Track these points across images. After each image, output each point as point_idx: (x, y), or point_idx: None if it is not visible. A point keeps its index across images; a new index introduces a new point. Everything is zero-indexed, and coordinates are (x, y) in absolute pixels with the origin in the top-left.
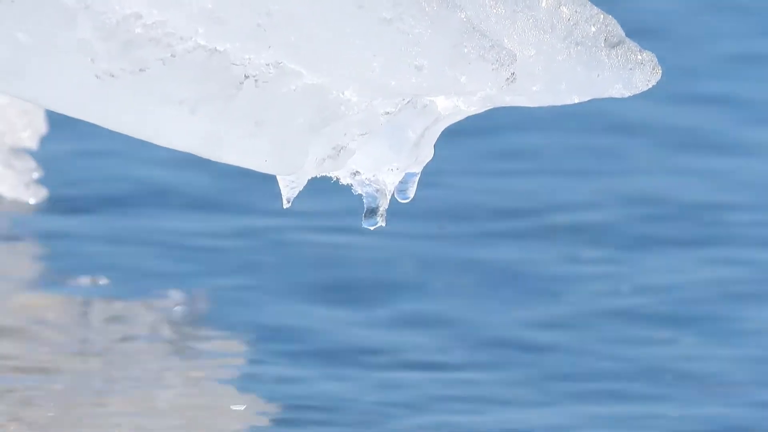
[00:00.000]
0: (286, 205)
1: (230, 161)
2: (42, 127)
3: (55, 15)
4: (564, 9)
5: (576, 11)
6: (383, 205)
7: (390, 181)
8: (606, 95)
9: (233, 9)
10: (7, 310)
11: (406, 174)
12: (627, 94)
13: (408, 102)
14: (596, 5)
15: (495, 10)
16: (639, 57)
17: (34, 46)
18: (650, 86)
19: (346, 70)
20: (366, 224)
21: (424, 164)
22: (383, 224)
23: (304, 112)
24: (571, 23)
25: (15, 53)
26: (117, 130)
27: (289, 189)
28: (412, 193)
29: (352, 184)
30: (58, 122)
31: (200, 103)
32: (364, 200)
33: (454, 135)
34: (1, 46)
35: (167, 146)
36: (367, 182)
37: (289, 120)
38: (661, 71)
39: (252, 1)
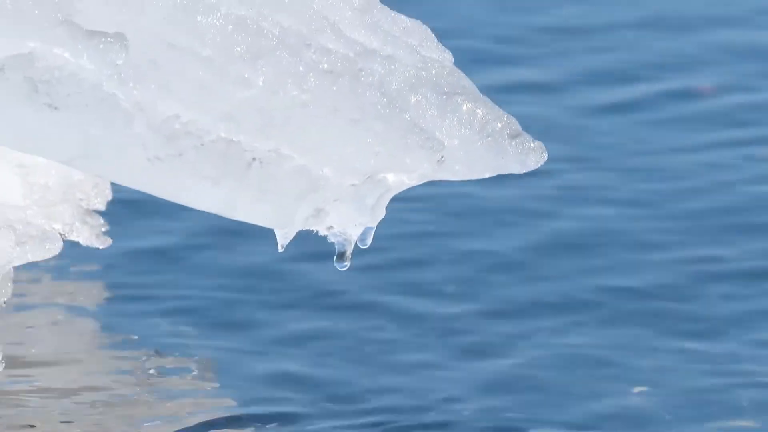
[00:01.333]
0: (280, 250)
1: (241, 219)
2: (108, 193)
3: (118, 116)
4: (479, 111)
5: (487, 113)
6: (349, 250)
7: (354, 233)
8: (507, 172)
9: (245, 112)
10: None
11: (365, 228)
12: (523, 170)
13: (368, 177)
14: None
15: (429, 112)
16: (531, 145)
17: (103, 138)
18: (539, 166)
19: (326, 155)
20: (337, 265)
21: (378, 221)
22: (349, 264)
23: (295, 185)
24: (484, 121)
25: (88, 142)
26: (162, 197)
27: (283, 238)
28: (369, 241)
29: (327, 235)
30: (120, 189)
31: (221, 178)
32: (336, 246)
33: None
34: (78, 136)
35: (197, 208)
36: (338, 234)
37: (285, 191)
38: (546, 155)
39: (258, 107)
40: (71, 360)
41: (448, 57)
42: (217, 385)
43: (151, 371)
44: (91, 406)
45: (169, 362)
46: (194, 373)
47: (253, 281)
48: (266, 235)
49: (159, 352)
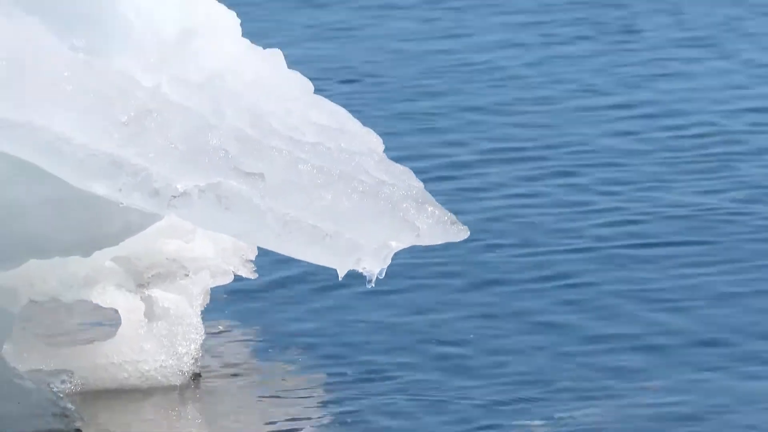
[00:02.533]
0: (369, 281)
1: (320, 263)
2: (255, 251)
3: (259, 214)
4: (436, 211)
5: (440, 211)
6: (374, 279)
7: (376, 271)
8: (450, 240)
9: (321, 213)
10: None
11: (381, 269)
12: (458, 239)
13: (382, 244)
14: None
15: (412, 212)
16: (462, 227)
17: (252, 224)
18: (466, 237)
19: (360, 233)
20: (368, 285)
21: (387, 265)
22: (373, 285)
23: (347, 248)
24: (438, 216)
25: (245, 227)
26: (284, 254)
27: (342, 273)
28: (382, 275)
29: (362, 272)
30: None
31: (312, 245)
32: (367, 277)
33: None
34: (239, 225)
35: (302, 259)
36: (368, 271)
37: (341, 251)
38: (468, 233)
39: (328, 208)
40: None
41: (415, 180)
42: None
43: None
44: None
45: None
46: None
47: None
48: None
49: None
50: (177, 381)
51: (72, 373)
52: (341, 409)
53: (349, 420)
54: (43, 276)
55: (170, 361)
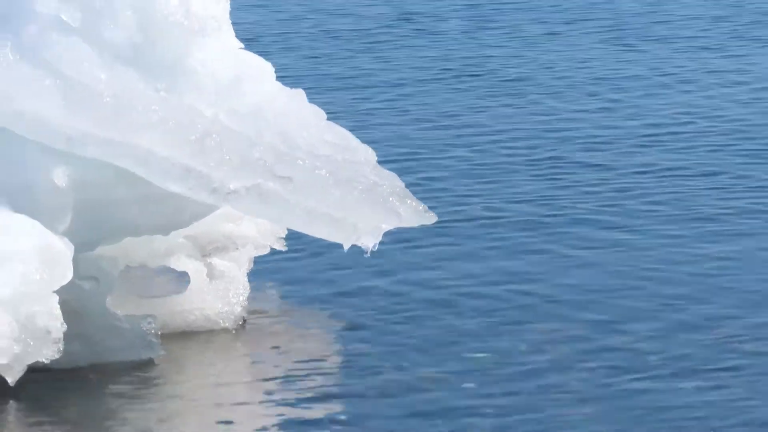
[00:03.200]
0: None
1: (328, 239)
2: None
3: (289, 207)
4: (413, 203)
5: (417, 203)
6: (369, 251)
7: (371, 245)
8: (423, 224)
9: (332, 207)
10: None
11: (375, 243)
12: (430, 222)
13: (375, 226)
14: None
15: (396, 204)
16: (432, 214)
17: (281, 214)
18: (434, 222)
19: (359, 218)
20: (366, 254)
21: (378, 241)
22: (369, 254)
23: (349, 228)
24: (414, 206)
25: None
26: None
27: (347, 246)
28: (375, 248)
29: (361, 246)
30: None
31: (326, 221)
32: (364, 249)
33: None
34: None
35: (316, 236)
36: (365, 246)
37: (347, 229)
38: (436, 218)
39: (338, 200)
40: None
41: (398, 181)
42: None
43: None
44: None
45: None
46: None
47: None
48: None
49: None
50: (230, 324)
51: (155, 317)
52: (356, 346)
53: (360, 352)
54: (136, 249)
55: (225, 309)
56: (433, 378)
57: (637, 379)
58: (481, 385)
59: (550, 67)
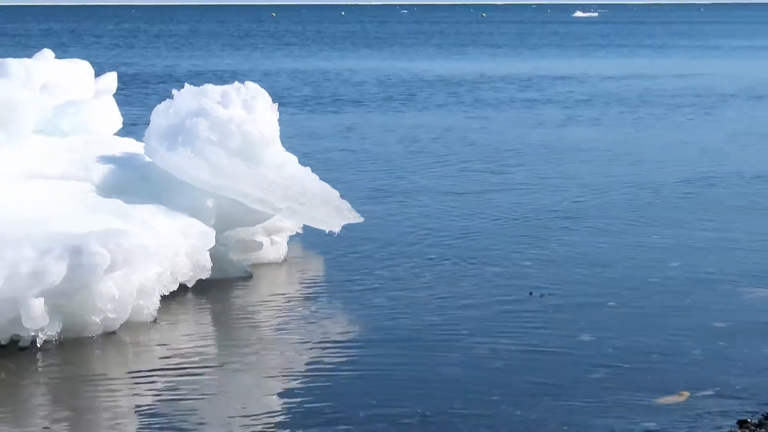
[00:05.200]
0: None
1: (311, 225)
2: None
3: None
4: (343, 205)
5: (345, 205)
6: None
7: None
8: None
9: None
10: None
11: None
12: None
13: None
14: None
15: (323, 209)
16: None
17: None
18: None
19: (315, 217)
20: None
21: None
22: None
23: (320, 215)
24: (345, 208)
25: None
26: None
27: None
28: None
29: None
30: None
31: (297, 213)
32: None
33: None
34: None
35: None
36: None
37: (314, 220)
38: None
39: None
40: None
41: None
42: None
43: None
44: None
45: None
46: None
47: None
48: None
49: None
50: (278, 260)
51: (249, 259)
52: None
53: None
54: (241, 232)
55: (276, 255)
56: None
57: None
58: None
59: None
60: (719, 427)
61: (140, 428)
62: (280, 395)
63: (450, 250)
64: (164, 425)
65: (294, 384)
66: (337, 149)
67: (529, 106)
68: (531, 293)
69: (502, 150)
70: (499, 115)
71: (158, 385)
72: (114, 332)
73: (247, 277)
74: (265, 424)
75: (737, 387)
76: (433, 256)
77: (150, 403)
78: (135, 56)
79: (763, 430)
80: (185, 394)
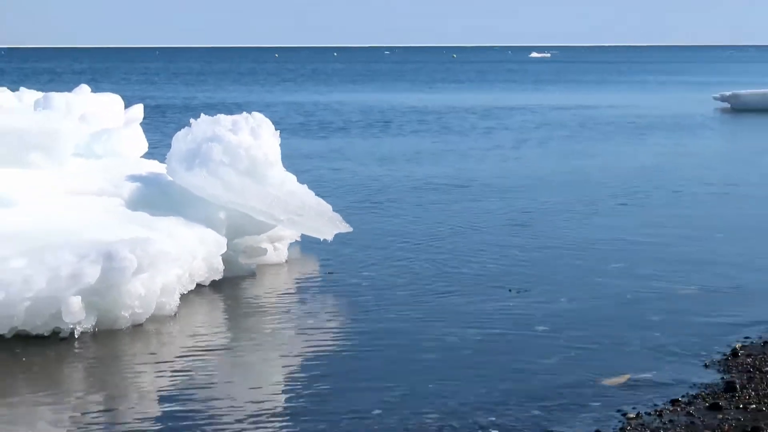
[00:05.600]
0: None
1: (308, 234)
2: None
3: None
4: (335, 216)
5: (336, 217)
6: (329, 240)
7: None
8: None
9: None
10: None
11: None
12: (347, 230)
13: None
14: None
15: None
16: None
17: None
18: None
19: (310, 227)
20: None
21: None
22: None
23: (316, 225)
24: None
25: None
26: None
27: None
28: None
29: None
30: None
31: (295, 223)
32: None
33: None
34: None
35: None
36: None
37: (311, 229)
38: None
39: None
40: None
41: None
42: None
43: None
44: None
45: None
46: None
47: None
48: None
49: None
50: (280, 261)
51: (255, 261)
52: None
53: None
54: (245, 239)
55: (278, 258)
56: None
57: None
58: None
59: None
60: (655, 405)
61: (163, 404)
62: (281, 373)
63: (424, 254)
64: (183, 400)
65: (293, 363)
66: (327, 168)
67: (488, 132)
68: (510, 290)
69: (465, 169)
70: (462, 139)
71: (178, 368)
72: (141, 324)
73: (254, 276)
74: (269, 394)
75: (670, 371)
76: (411, 257)
77: (171, 382)
78: (157, 90)
79: (692, 407)
80: (201, 375)
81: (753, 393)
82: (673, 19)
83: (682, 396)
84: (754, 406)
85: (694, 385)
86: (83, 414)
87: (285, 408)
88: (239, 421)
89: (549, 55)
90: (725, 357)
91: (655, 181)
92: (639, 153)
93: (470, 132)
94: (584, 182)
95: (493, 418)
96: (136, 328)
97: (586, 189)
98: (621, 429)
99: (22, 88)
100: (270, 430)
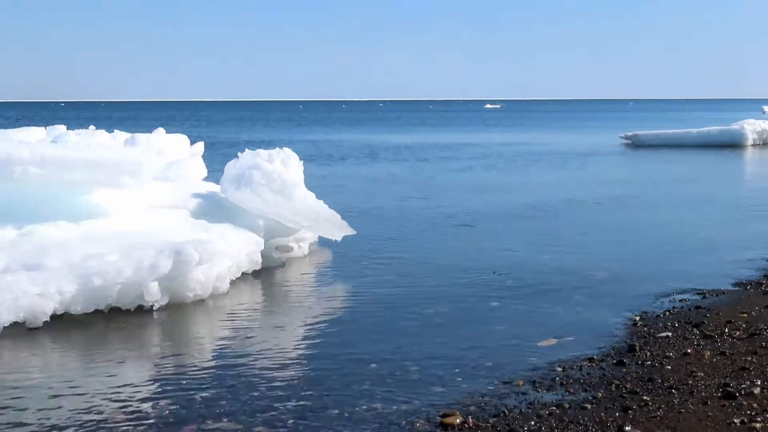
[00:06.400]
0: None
1: (322, 235)
2: None
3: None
4: (342, 221)
5: (342, 220)
6: (338, 240)
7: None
8: (348, 234)
9: (303, 215)
10: None
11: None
12: (352, 233)
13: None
14: None
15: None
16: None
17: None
18: (353, 233)
19: (322, 228)
20: (338, 240)
21: (341, 238)
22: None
23: (327, 230)
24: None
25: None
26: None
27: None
28: (339, 240)
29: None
30: None
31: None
32: (337, 239)
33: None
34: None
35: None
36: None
37: (325, 230)
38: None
39: (307, 213)
40: None
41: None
42: None
43: None
44: None
45: None
46: None
47: None
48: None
49: None
50: (303, 255)
51: (283, 256)
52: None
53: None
54: (277, 240)
55: (302, 253)
56: None
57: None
58: None
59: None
60: (576, 361)
61: (218, 351)
62: (303, 330)
63: (407, 252)
64: (233, 348)
65: (309, 329)
66: (332, 186)
67: (447, 160)
68: (494, 272)
69: (429, 186)
70: (428, 165)
71: (229, 328)
72: (202, 300)
73: (283, 266)
74: (295, 344)
75: (587, 336)
76: (396, 253)
77: (224, 338)
78: (212, 132)
79: (603, 363)
80: (246, 332)
81: (648, 353)
82: (593, 78)
83: (596, 354)
84: (649, 363)
85: (605, 346)
86: (162, 358)
87: (304, 354)
88: (272, 359)
89: (499, 106)
90: (628, 326)
91: (568, 195)
92: (557, 175)
93: (433, 160)
94: (513, 192)
95: (457, 370)
96: (198, 303)
97: (515, 197)
98: (552, 378)
99: (115, 131)
100: (293, 369)
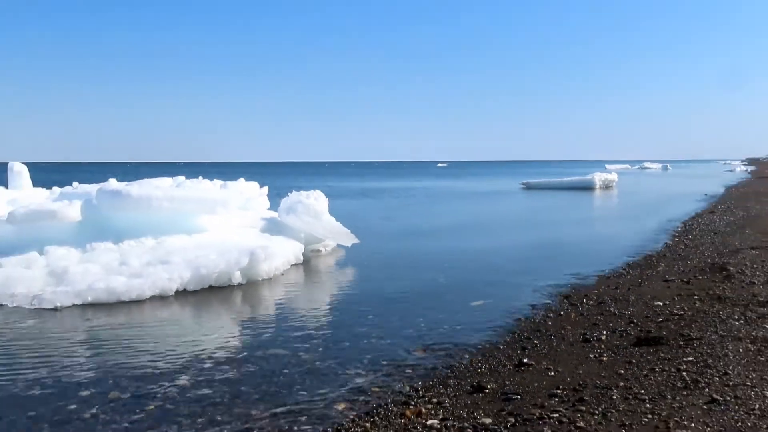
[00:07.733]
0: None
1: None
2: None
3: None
4: (343, 228)
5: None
6: (349, 246)
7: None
8: (353, 242)
9: (327, 230)
10: None
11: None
12: (356, 241)
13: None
14: None
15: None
16: (355, 239)
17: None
18: (356, 242)
19: (334, 233)
20: (349, 246)
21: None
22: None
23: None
24: (346, 233)
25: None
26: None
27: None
28: (349, 246)
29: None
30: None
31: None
32: (347, 246)
33: None
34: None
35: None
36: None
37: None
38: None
39: (330, 230)
40: None
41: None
42: None
43: None
44: None
45: None
46: None
47: None
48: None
49: None
50: (325, 252)
51: (319, 249)
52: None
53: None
54: (311, 246)
55: (326, 251)
56: None
57: None
58: None
59: None
60: (502, 317)
61: (279, 313)
62: (327, 299)
63: (395, 258)
64: (288, 309)
65: (332, 294)
66: (346, 211)
67: (406, 197)
68: (446, 265)
69: (399, 211)
70: (392, 200)
71: (283, 297)
72: (269, 279)
73: (316, 260)
74: (320, 310)
75: (515, 299)
76: (387, 252)
77: (281, 301)
78: (270, 180)
79: (529, 321)
80: (293, 300)
81: (536, 315)
82: (511, 145)
83: (522, 316)
84: (537, 320)
85: (522, 311)
86: (244, 311)
87: (331, 302)
88: (309, 308)
89: (446, 164)
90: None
91: (477, 218)
92: (473, 206)
93: (396, 197)
94: (452, 216)
95: (423, 324)
96: (264, 281)
97: (453, 219)
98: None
99: (215, 179)
100: (324, 311)
